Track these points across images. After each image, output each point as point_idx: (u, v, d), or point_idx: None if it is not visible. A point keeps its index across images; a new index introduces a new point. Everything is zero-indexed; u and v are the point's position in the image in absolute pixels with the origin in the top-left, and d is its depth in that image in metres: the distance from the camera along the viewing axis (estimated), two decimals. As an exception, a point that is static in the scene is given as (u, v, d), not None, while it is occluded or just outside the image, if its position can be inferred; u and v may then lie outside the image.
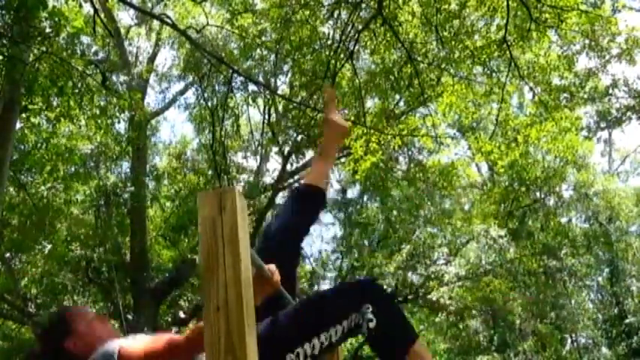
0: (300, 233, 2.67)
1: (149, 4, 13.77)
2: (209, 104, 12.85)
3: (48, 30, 7.61)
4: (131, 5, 11.53)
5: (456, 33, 9.75)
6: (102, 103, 9.89)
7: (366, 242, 15.63)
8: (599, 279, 19.85)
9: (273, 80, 13.06)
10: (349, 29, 9.38)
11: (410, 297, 14.09)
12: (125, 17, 15.26)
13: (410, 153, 13.06)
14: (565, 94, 11.53)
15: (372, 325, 2.02)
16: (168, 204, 15.48)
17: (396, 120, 11.00)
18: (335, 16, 9.86)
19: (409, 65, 9.56)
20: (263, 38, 11.49)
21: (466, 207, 16.76)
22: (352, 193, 18.15)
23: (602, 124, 15.28)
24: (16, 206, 11.18)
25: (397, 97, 11.94)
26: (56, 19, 7.37)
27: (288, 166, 13.26)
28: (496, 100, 10.92)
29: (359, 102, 10.48)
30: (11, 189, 10.80)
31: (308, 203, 2.69)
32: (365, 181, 13.80)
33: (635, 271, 18.77)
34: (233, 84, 11.95)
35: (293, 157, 13.64)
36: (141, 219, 13.62)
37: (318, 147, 2.57)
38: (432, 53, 10.00)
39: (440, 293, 12.60)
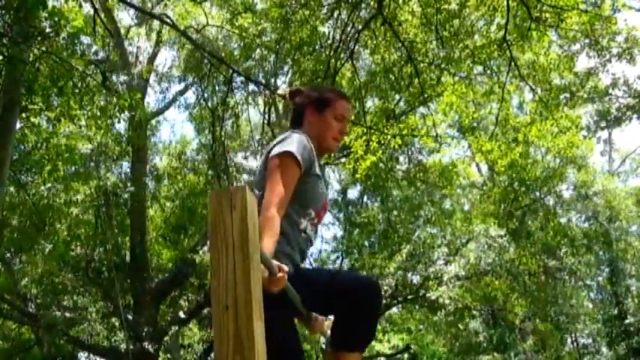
0: None
1: (149, 4, 13.77)
2: (209, 104, 12.84)
3: (48, 30, 7.60)
4: (131, 5, 11.52)
5: (455, 33, 9.75)
6: (102, 103, 9.88)
7: (366, 242, 15.62)
8: (599, 279, 19.85)
9: (273, 80, 13.05)
10: (349, 29, 9.39)
11: (410, 297, 14.09)
12: (125, 17, 15.25)
13: (410, 153, 13.07)
14: (565, 94, 11.55)
15: None
16: (168, 204, 15.47)
17: (396, 120, 10.99)
18: (335, 15, 9.86)
19: (409, 65, 9.57)
20: (263, 38, 11.49)
21: (466, 207, 16.76)
22: (352, 193, 18.16)
23: (602, 124, 15.29)
24: (16, 206, 11.17)
25: (397, 96, 11.95)
26: (56, 19, 7.36)
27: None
28: (496, 99, 10.92)
29: (359, 102, 10.48)
30: (11, 189, 10.78)
31: None
32: (365, 180, 13.80)
33: (635, 271, 18.78)
34: (233, 84, 11.94)
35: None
36: (141, 219, 13.62)
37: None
38: (432, 53, 10.00)
39: (439, 292, 12.60)
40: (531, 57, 10.46)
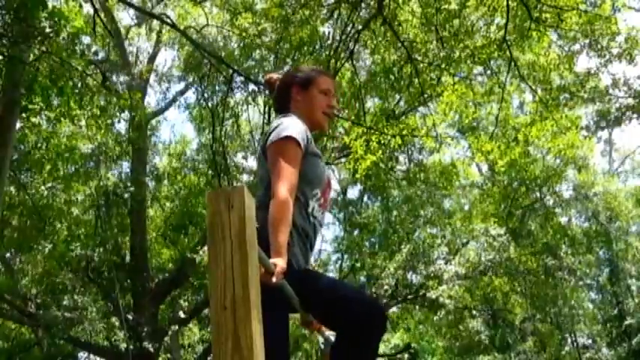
0: None
1: (149, 4, 13.76)
2: (209, 104, 12.84)
3: (48, 30, 7.60)
4: (131, 5, 11.52)
5: (455, 33, 9.75)
6: (102, 103, 9.89)
7: (366, 242, 15.62)
8: (600, 279, 19.85)
9: (273, 80, 13.03)
10: (349, 29, 9.38)
11: (410, 297, 14.09)
12: (125, 17, 15.26)
13: (410, 153, 13.07)
14: (565, 94, 11.54)
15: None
16: (168, 204, 15.47)
17: (396, 120, 10.99)
18: (335, 15, 9.85)
19: (409, 65, 9.56)
20: (263, 38, 11.48)
21: (466, 207, 16.76)
22: (352, 193, 18.16)
23: (602, 124, 15.28)
24: (16, 206, 11.17)
25: (397, 96, 11.95)
26: (56, 19, 7.36)
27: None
28: (496, 99, 10.93)
29: (359, 102, 10.48)
30: (11, 189, 10.78)
31: None
32: (365, 181, 13.81)
33: (635, 271, 18.78)
34: (233, 84, 11.93)
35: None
36: (141, 219, 13.62)
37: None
38: (432, 53, 9.99)
39: (439, 292, 12.60)
40: (531, 57, 10.46)
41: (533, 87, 10.73)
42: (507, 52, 9.07)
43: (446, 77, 10.35)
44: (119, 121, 11.26)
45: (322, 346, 2.90)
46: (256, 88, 12.50)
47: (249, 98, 12.78)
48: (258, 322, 1.53)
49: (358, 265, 15.45)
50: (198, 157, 15.35)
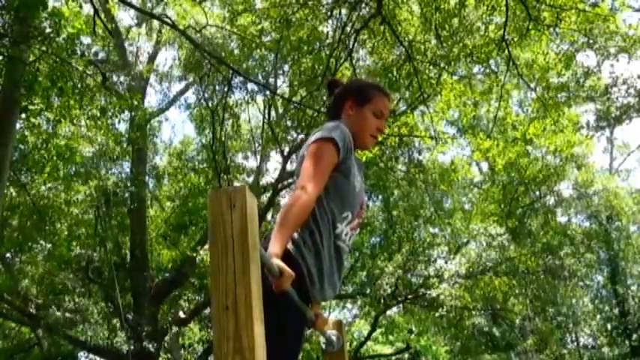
0: None
1: (149, 4, 13.77)
2: (209, 104, 12.85)
3: (48, 30, 7.60)
4: (131, 5, 11.52)
5: (455, 32, 9.76)
6: (102, 104, 9.89)
7: (366, 242, 15.62)
8: (600, 278, 19.87)
9: (273, 80, 13.06)
10: (348, 28, 9.39)
11: (410, 297, 14.10)
12: (125, 17, 15.26)
13: (409, 152, 13.07)
14: (564, 93, 11.56)
15: None
16: (168, 204, 15.48)
17: (395, 119, 10.99)
18: (334, 15, 9.86)
19: (408, 64, 9.57)
20: (263, 38, 11.49)
21: (466, 206, 16.77)
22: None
23: (603, 123, 15.29)
24: (16, 206, 11.18)
25: (396, 95, 11.95)
26: (56, 19, 7.36)
27: (288, 166, 13.25)
28: (495, 98, 10.95)
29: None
30: (11, 189, 10.79)
31: None
32: (365, 180, 13.80)
33: (636, 270, 18.79)
34: (233, 84, 11.94)
35: (293, 157, 13.64)
36: (141, 219, 13.63)
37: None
38: (431, 52, 10.01)
39: (440, 290, 12.61)
40: (530, 56, 10.47)
41: (532, 86, 10.76)
42: (506, 51, 9.09)
43: (445, 76, 10.36)
44: (119, 122, 11.27)
45: (323, 346, 2.90)
46: (256, 88, 12.52)
47: (249, 98, 12.80)
48: (259, 322, 1.53)
49: (358, 265, 15.46)
50: (199, 156, 15.36)
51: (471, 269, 13.40)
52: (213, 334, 1.52)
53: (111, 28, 10.94)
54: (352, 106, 2.49)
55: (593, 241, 17.31)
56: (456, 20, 9.64)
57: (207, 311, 14.16)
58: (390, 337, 19.82)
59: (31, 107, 8.39)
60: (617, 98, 14.24)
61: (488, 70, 11.15)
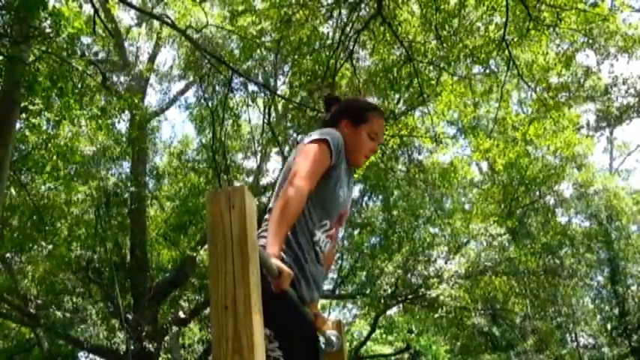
0: None
1: (149, 4, 13.77)
2: (209, 104, 12.85)
3: (48, 30, 7.61)
4: (131, 5, 11.53)
5: (455, 32, 9.76)
6: (102, 103, 9.90)
7: (366, 242, 15.62)
8: (600, 278, 19.86)
9: (273, 80, 13.06)
10: (348, 29, 9.40)
11: (410, 297, 14.10)
12: (125, 17, 15.25)
13: (409, 153, 13.08)
14: (564, 93, 11.56)
15: None
16: (168, 204, 15.48)
17: (395, 120, 11.00)
18: (334, 15, 9.86)
19: (408, 65, 9.58)
20: (263, 38, 11.49)
21: (466, 206, 16.77)
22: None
23: (603, 123, 15.30)
24: (16, 206, 11.18)
25: (396, 96, 11.95)
26: (56, 19, 7.37)
27: (288, 166, 13.24)
28: (495, 98, 10.95)
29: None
30: (11, 189, 10.79)
31: None
32: (365, 180, 13.81)
33: (636, 270, 18.78)
34: (233, 84, 11.94)
35: (293, 157, 13.61)
36: (141, 219, 13.63)
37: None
38: (431, 52, 10.01)
39: (440, 290, 12.61)
40: (530, 56, 10.47)
41: (532, 86, 10.76)
42: (506, 52, 9.09)
43: (445, 77, 10.37)
44: (119, 122, 11.28)
45: (323, 346, 2.90)
46: (256, 88, 12.53)
47: (249, 98, 12.80)
48: (258, 322, 1.53)
49: (358, 265, 15.46)
50: (199, 156, 15.36)
51: (470, 269, 13.41)
52: (213, 334, 1.53)
53: (111, 28, 10.94)
54: (348, 125, 2.50)
55: (593, 241, 17.31)
56: (456, 20, 9.64)
57: (207, 311, 14.16)
58: (390, 337, 19.82)
59: (31, 107, 8.40)
60: (617, 98, 14.25)
61: (488, 71, 11.15)
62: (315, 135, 2.33)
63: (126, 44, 14.45)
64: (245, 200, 1.59)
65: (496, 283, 13.91)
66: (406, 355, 18.99)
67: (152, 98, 18.25)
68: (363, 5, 9.37)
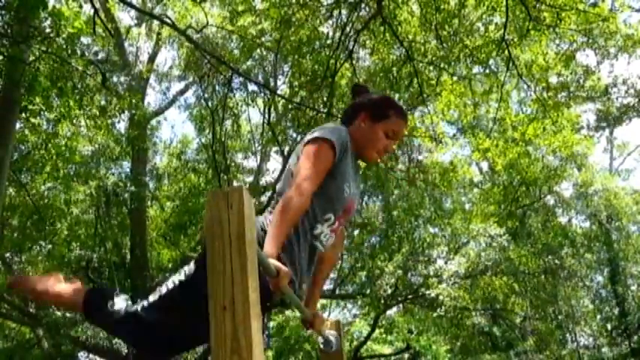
0: None
1: (149, 4, 13.77)
2: (209, 104, 12.85)
3: (48, 30, 7.61)
4: (131, 5, 11.52)
5: (455, 32, 9.77)
6: (102, 103, 9.90)
7: (365, 242, 15.62)
8: (600, 278, 19.87)
9: (273, 80, 13.06)
10: (348, 29, 9.39)
11: (410, 297, 14.09)
12: (125, 17, 15.26)
13: (409, 152, 13.07)
14: (563, 93, 11.57)
15: None
16: (168, 204, 15.47)
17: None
18: (334, 15, 9.86)
19: (408, 65, 9.58)
20: (263, 38, 11.49)
21: (466, 207, 16.77)
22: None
23: (603, 123, 15.30)
24: (16, 206, 11.18)
25: (396, 96, 11.95)
26: (56, 19, 7.37)
27: (288, 166, 13.24)
28: (495, 98, 10.95)
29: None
30: (11, 189, 10.79)
31: None
32: (365, 180, 13.81)
33: (636, 270, 18.78)
34: (233, 84, 11.95)
35: (293, 156, 13.62)
36: (141, 219, 13.62)
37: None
38: (431, 53, 10.01)
39: (439, 290, 12.60)
40: (530, 56, 10.48)
41: (532, 86, 10.76)
42: (506, 52, 9.09)
43: (445, 77, 10.37)
44: (119, 122, 11.28)
45: (321, 346, 2.91)
46: (256, 88, 12.53)
47: (249, 98, 12.80)
48: (257, 322, 1.53)
49: (358, 265, 15.45)
50: (199, 157, 15.36)
51: (470, 269, 13.40)
52: (211, 334, 1.53)
53: (111, 28, 10.94)
54: (365, 119, 2.48)
55: (593, 241, 17.30)
56: (456, 20, 9.65)
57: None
58: (390, 337, 19.80)
59: (31, 107, 8.39)
60: (617, 98, 14.25)
61: (488, 71, 11.15)
62: (317, 132, 2.31)
63: (126, 44, 14.45)
64: (243, 200, 1.59)
65: (496, 283, 13.90)
66: (406, 355, 18.99)
67: (152, 98, 18.24)
68: (363, 5, 9.37)
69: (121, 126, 12.98)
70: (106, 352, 13.04)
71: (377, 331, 17.56)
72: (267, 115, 13.17)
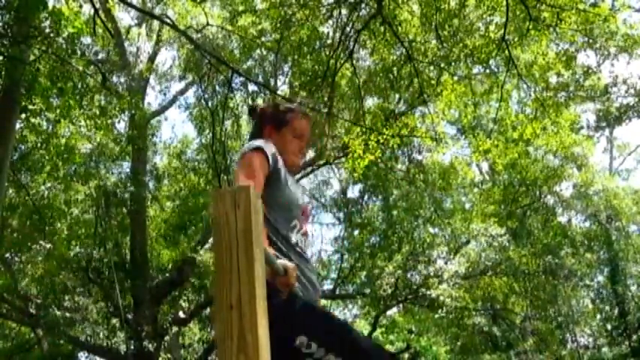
0: None
1: (149, 4, 13.76)
2: (209, 104, 12.84)
3: (48, 30, 7.60)
4: (131, 5, 11.52)
5: (455, 32, 9.77)
6: (102, 103, 9.89)
7: (365, 242, 15.62)
8: (600, 278, 19.87)
9: (273, 80, 13.06)
10: (349, 29, 9.39)
11: (410, 297, 14.09)
12: (125, 17, 15.25)
13: (409, 153, 13.08)
14: (563, 92, 11.56)
15: None
16: (168, 204, 15.47)
17: (395, 120, 11.00)
18: (334, 15, 9.86)
19: (409, 64, 9.58)
20: (263, 38, 11.49)
21: (466, 207, 16.77)
22: (352, 193, 18.15)
23: (602, 123, 15.30)
24: (16, 206, 11.17)
25: (397, 96, 11.96)
26: (56, 19, 7.36)
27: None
28: (495, 98, 10.95)
29: (358, 101, 10.48)
30: (11, 189, 10.78)
31: None
32: (365, 180, 13.82)
33: (636, 270, 18.78)
34: (233, 84, 11.94)
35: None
36: (141, 219, 13.61)
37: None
38: (431, 52, 10.01)
39: (440, 291, 12.60)
40: (530, 56, 10.48)
41: (532, 86, 10.76)
42: (506, 52, 9.09)
43: (445, 77, 10.37)
44: (119, 122, 11.27)
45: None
46: (256, 89, 12.52)
47: (249, 99, 12.79)
48: (264, 321, 1.53)
49: (358, 265, 15.45)
50: (198, 157, 15.35)
51: (470, 269, 13.41)
52: (217, 333, 1.52)
53: (111, 28, 10.93)
54: (271, 131, 2.56)
55: (593, 241, 17.30)
56: (456, 20, 9.65)
57: (207, 311, 14.16)
58: (390, 337, 19.80)
59: (31, 107, 8.39)
60: (616, 98, 14.25)
61: (488, 71, 11.15)
62: (246, 148, 2.36)
63: (126, 44, 14.44)
64: (250, 199, 1.58)
65: (496, 283, 13.90)
66: (406, 355, 18.98)
67: (152, 98, 18.23)
68: (363, 5, 9.37)
69: (121, 126, 12.97)
70: (106, 352, 13.03)
71: (377, 331, 17.56)
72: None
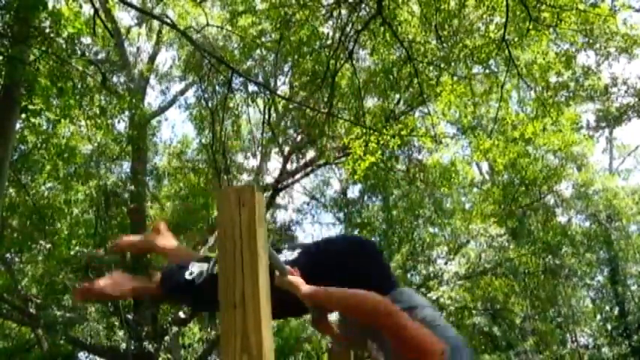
0: None
1: (149, 4, 13.75)
2: (209, 104, 12.83)
3: (48, 30, 7.60)
4: (131, 5, 11.51)
5: (455, 32, 9.77)
6: (102, 103, 9.89)
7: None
8: (600, 278, 19.87)
9: (273, 80, 13.05)
10: (349, 29, 9.39)
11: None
12: (125, 17, 15.25)
13: (409, 153, 13.07)
14: (563, 92, 11.56)
15: None
16: (168, 204, 15.45)
17: (395, 120, 11.00)
18: (334, 16, 9.86)
19: (408, 65, 9.57)
20: (263, 38, 11.48)
21: (466, 207, 16.76)
22: (352, 193, 18.15)
23: (602, 123, 15.29)
24: (16, 206, 11.16)
25: (397, 96, 11.95)
26: (56, 19, 7.36)
27: (288, 166, 13.25)
28: (495, 98, 10.95)
29: (358, 102, 10.48)
30: (11, 189, 10.77)
31: None
32: (365, 180, 13.81)
33: (636, 270, 18.79)
34: (233, 84, 11.93)
35: (293, 156, 13.64)
36: (141, 219, 13.60)
37: None
38: (431, 53, 10.00)
39: (440, 292, 12.60)
40: (530, 56, 10.47)
41: (532, 86, 10.76)
42: (506, 52, 9.09)
43: (445, 77, 10.36)
44: (119, 122, 11.26)
45: (329, 345, 2.90)
46: (256, 88, 12.52)
47: (249, 98, 12.80)
48: (267, 320, 1.53)
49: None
50: (199, 157, 15.34)
51: (470, 269, 13.40)
52: (221, 332, 1.52)
53: (111, 28, 10.92)
54: None
55: (593, 241, 17.30)
56: (456, 20, 9.65)
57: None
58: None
59: (31, 107, 8.37)
60: (616, 98, 14.25)
61: (488, 71, 11.15)
62: None
63: (126, 44, 14.43)
64: (255, 199, 1.58)
65: (496, 283, 13.90)
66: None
67: (152, 98, 18.21)
68: (363, 5, 9.36)
69: (121, 126, 12.96)
70: (105, 352, 13.01)
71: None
72: (267, 115, 13.16)
